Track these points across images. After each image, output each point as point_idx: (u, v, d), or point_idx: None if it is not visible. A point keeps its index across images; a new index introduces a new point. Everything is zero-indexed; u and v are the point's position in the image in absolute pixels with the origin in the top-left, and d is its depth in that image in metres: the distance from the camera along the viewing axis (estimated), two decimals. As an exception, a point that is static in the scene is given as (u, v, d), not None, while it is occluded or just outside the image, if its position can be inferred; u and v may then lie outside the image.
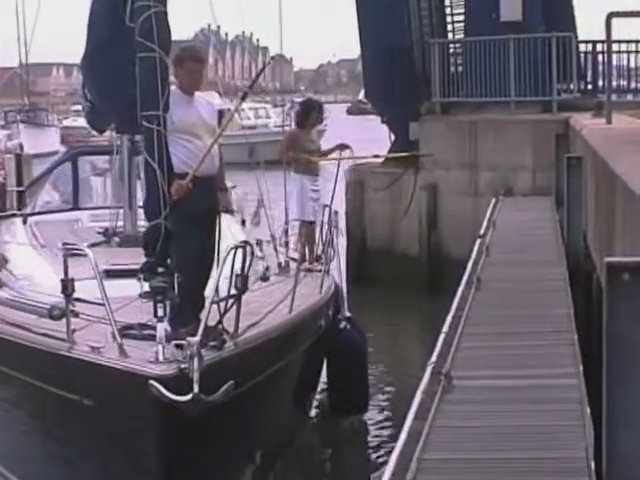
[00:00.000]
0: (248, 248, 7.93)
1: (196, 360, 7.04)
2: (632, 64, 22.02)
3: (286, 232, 13.73)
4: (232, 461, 8.83)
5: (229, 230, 12.52)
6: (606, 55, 17.79)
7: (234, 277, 7.87)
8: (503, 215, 16.19)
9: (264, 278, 11.36)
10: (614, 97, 17.13)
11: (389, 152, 22.89)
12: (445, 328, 9.40)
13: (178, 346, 7.46)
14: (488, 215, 16.06)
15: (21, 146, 42.33)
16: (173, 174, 8.58)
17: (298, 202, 13.36)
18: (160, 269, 8.17)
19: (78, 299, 8.26)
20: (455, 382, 7.68)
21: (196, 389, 6.99)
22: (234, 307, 8.02)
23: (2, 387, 9.49)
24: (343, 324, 12.69)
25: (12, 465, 10.05)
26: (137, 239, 10.39)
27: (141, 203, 10.74)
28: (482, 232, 14.41)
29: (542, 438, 6.60)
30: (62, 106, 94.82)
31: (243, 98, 9.73)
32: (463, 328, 9.42)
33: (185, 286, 8.20)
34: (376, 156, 17.59)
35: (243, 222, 14.36)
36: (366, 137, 24.18)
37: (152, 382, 7.06)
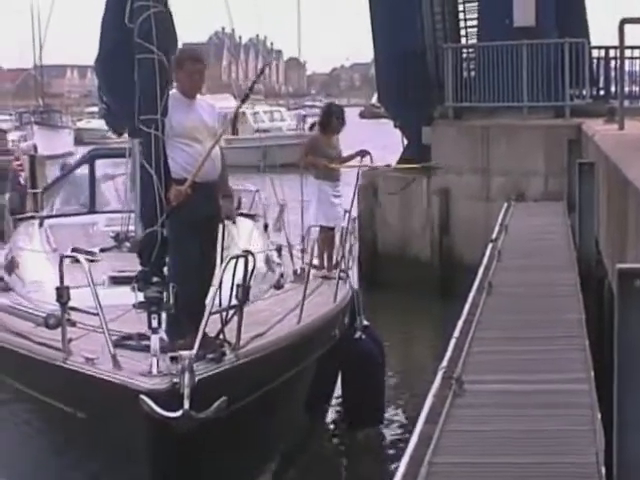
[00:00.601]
0: (250, 258, 7.65)
1: (187, 375, 6.80)
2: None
3: (303, 239, 13.43)
4: (235, 476, 8.51)
5: (250, 236, 12.40)
6: (619, 61, 17.79)
7: (235, 288, 7.62)
8: (515, 220, 16.19)
9: (278, 286, 11.10)
10: (626, 103, 17.14)
11: (402, 156, 22.95)
12: (456, 333, 9.41)
13: (174, 359, 7.21)
14: (500, 220, 16.07)
15: (35, 147, 42.43)
16: (170, 180, 8.33)
17: (318, 208, 12.95)
18: (155, 279, 7.93)
19: (73, 308, 8.01)
20: (466, 386, 7.69)
21: (186, 405, 6.75)
22: (237, 318, 7.79)
23: (3, 396, 9.33)
24: (358, 334, 12.19)
25: (9, 472, 9.75)
26: None
27: None
28: (494, 237, 14.41)
29: (552, 443, 6.60)
30: (76, 108, 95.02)
31: (243, 100, 9.46)
32: (474, 333, 9.43)
33: (183, 296, 7.83)
34: (388, 166, 17.28)
35: (266, 227, 14.06)
36: (379, 141, 24.20)
37: (142, 397, 6.82)
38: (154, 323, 7.39)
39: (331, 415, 12.86)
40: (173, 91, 8.52)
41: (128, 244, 11.68)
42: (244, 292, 7.60)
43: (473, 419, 7.15)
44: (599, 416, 6.87)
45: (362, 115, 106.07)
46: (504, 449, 6.55)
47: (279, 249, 12.61)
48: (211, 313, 7.62)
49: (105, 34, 10.96)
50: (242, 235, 12.38)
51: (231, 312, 7.80)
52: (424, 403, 7.50)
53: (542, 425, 6.97)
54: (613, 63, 21.38)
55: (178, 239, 8.25)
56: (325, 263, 12.65)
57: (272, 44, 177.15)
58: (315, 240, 12.95)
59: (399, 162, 22.36)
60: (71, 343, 7.79)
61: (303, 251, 13.05)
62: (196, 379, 6.87)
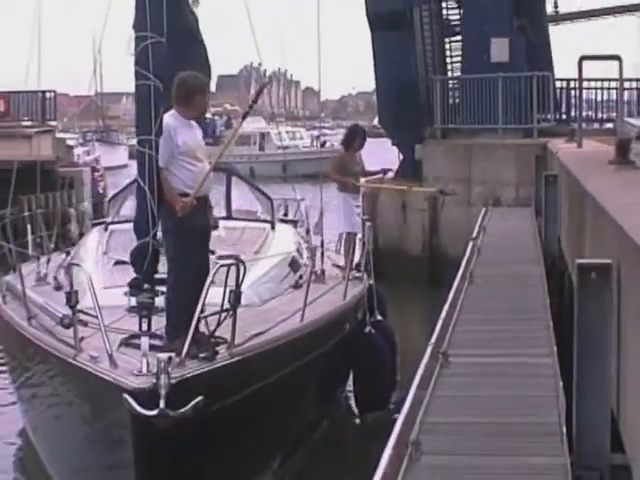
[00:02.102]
0: (240, 265, 7.02)
1: (163, 376, 6.21)
2: (599, 98, 21.95)
3: (322, 243, 12.19)
4: (229, 472, 7.68)
5: (285, 239, 11.84)
6: (578, 91, 17.78)
7: (228, 292, 6.98)
8: (492, 222, 16.15)
9: (296, 285, 10.27)
10: (584, 125, 17.09)
11: (398, 168, 22.91)
12: (443, 315, 9.40)
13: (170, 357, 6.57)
14: (479, 222, 16.04)
15: (97, 160, 42.37)
16: (162, 194, 7.65)
17: (345, 217, 12.54)
18: (146, 285, 7.36)
19: (81, 311, 7.40)
20: (451, 359, 7.68)
21: (162, 405, 6.17)
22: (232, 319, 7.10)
23: (38, 386, 9.03)
24: (368, 329, 10.97)
25: (42, 443, 9.33)
26: None
27: None
28: (474, 236, 14.37)
29: (523, 406, 6.61)
30: (130, 128, 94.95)
31: (244, 117, 8.96)
32: (458, 315, 9.42)
33: (184, 301, 7.25)
34: (409, 187, 15.73)
35: (307, 231, 13.09)
36: (379, 156, 24.12)
37: (125, 395, 6.31)
38: (144, 326, 6.99)
39: (343, 402, 11.72)
40: (173, 112, 7.83)
41: None
42: (236, 296, 6.97)
43: (457, 386, 7.15)
44: (561, 384, 6.86)
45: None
46: (483, 411, 6.55)
47: (311, 250, 11.65)
48: (207, 315, 7.10)
49: None
50: (279, 239, 11.82)
51: (230, 314, 7.12)
52: (416, 373, 7.51)
53: (514, 391, 6.97)
54: (573, 92, 21.36)
55: (180, 248, 7.64)
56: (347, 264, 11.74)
57: (292, 75, 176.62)
58: (341, 244, 12.63)
59: (396, 174, 22.32)
60: (83, 341, 7.31)
61: (323, 254, 11.85)
62: (173, 380, 6.26)
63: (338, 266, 11.93)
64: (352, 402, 11.66)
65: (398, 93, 22.68)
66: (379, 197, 21.17)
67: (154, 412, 6.16)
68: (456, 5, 23.74)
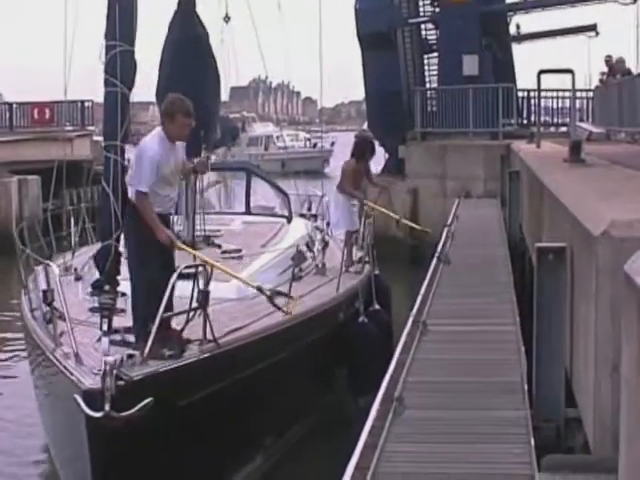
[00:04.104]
0: (203, 268, 6.31)
1: (109, 378, 5.38)
2: (555, 106, 21.93)
3: (323, 238, 11.36)
4: (196, 469, 6.58)
5: (302, 233, 11.01)
6: (537, 99, 17.74)
7: (197, 293, 6.20)
8: (463, 211, 16.14)
9: (296, 278, 9.08)
10: (542, 129, 17.04)
11: (384, 166, 22.93)
12: (422, 290, 9.40)
13: (130, 356, 5.87)
14: (453, 211, 16.03)
15: (128, 160, 42.07)
16: (126, 197, 6.65)
17: (347, 216, 11.31)
18: (107, 287, 6.37)
19: (52, 307, 6.53)
20: (429, 328, 7.68)
21: (107, 407, 5.34)
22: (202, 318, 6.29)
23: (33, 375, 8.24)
24: (362, 318, 9.76)
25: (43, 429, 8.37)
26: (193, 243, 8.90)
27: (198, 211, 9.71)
28: (448, 223, 14.37)
29: (491, 367, 6.61)
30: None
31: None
32: (435, 290, 9.41)
33: (144, 304, 6.30)
34: (397, 221, 13.62)
35: (328, 224, 12.23)
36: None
37: (75, 396, 5.50)
38: (105, 327, 6.02)
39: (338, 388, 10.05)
40: (159, 130, 6.78)
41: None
42: (204, 296, 6.17)
43: (435, 350, 7.15)
44: (523, 349, 6.86)
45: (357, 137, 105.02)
46: (456, 371, 6.55)
47: (324, 243, 10.85)
48: (174, 315, 6.33)
49: (161, 71, 9.83)
50: (292, 233, 11.04)
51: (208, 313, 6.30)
52: (399, 339, 7.50)
53: (483, 354, 6.97)
54: (533, 101, 21.33)
55: (138, 260, 6.59)
56: (346, 258, 10.70)
57: (294, 87, 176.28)
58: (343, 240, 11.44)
59: (382, 171, 22.29)
60: (63, 336, 6.35)
61: (324, 250, 10.83)
62: (120, 382, 5.44)
63: (352, 261, 11.11)
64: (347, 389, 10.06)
65: (384, 102, 22.73)
66: (367, 191, 21.05)
67: (99, 414, 5.37)
68: (433, 27, 23.74)
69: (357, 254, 11.30)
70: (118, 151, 6.64)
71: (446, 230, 13.49)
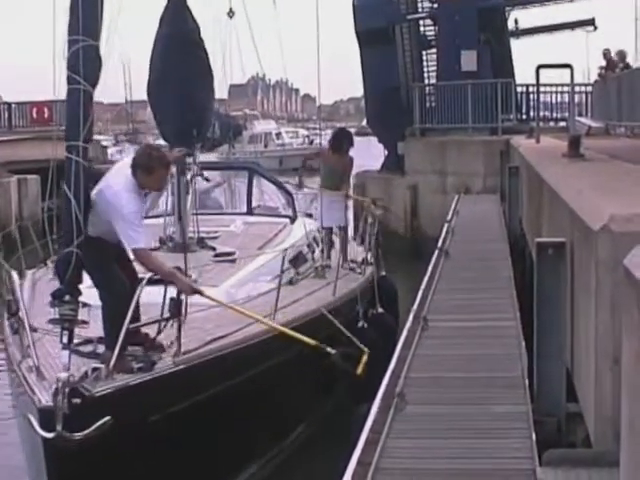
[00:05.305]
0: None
1: (60, 397, 4.92)
2: (554, 100, 21.91)
3: (322, 239, 10.78)
4: None
5: (304, 233, 10.29)
6: (536, 94, 17.75)
7: (169, 302, 5.89)
8: (463, 207, 16.14)
9: (292, 282, 8.81)
10: (541, 124, 17.05)
11: (384, 162, 22.97)
12: (423, 285, 9.40)
13: (95, 370, 5.45)
14: (453, 207, 16.02)
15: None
16: (89, 205, 6.02)
17: (325, 212, 10.71)
18: (68, 297, 5.71)
19: (19, 317, 6.13)
20: (430, 323, 7.69)
21: (59, 427, 4.90)
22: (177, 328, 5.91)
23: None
24: (361, 323, 9.21)
25: None
26: (182, 246, 8.64)
27: (190, 213, 9.36)
28: (449, 218, 14.37)
29: (492, 362, 6.61)
30: (155, 130, 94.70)
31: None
32: (436, 285, 9.42)
33: (113, 317, 5.81)
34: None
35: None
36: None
37: (28, 415, 5.13)
38: (65, 339, 5.51)
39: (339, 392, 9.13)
40: (128, 177, 6.17)
41: (171, 244, 9.32)
42: (177, 305, 5.83)
43: (435, 346, 7.15)
44: (523, 344, 6.87)
45: (356, 134, 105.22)
46: (457, 367, 6.55)
47: (330, 243, 10.47)
48: (141, 325, 6.01)
49: (152, 66, 9.56)
50: (293, 234, 10.50)
51: (172, 323, 5.96)
52: (401, 334, 7.50)
53: (484, 349, 6.97)
54: (532, 96, 21.31)
55: (102, 268, 6.09)
56: (342, 257, 10.14)
57: (292, 84, 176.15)
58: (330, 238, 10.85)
59: (382, 167, 22.32)
60: (36, 348, 5.90)
61: (322, 250, 10.42)
62: (75, 400, 4.98)
63: (352, 260, 10.65)
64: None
65: (383, 98, 22.69)
66: (366, 187, 21.05)
67: (51, 435, 4.96)
68: (431, 23, 23.72)
69: (358, 254, 10.97)
70: (80, 152, 6.04)
71: (446, 226, 13.49)
